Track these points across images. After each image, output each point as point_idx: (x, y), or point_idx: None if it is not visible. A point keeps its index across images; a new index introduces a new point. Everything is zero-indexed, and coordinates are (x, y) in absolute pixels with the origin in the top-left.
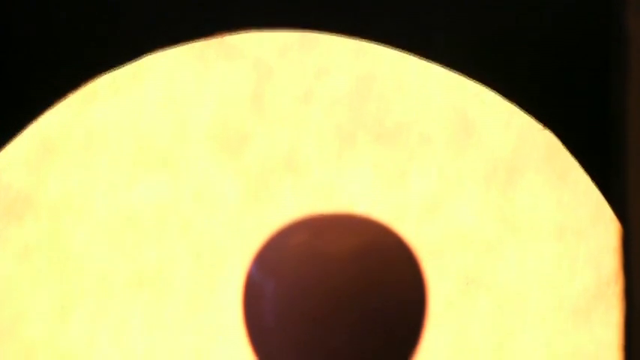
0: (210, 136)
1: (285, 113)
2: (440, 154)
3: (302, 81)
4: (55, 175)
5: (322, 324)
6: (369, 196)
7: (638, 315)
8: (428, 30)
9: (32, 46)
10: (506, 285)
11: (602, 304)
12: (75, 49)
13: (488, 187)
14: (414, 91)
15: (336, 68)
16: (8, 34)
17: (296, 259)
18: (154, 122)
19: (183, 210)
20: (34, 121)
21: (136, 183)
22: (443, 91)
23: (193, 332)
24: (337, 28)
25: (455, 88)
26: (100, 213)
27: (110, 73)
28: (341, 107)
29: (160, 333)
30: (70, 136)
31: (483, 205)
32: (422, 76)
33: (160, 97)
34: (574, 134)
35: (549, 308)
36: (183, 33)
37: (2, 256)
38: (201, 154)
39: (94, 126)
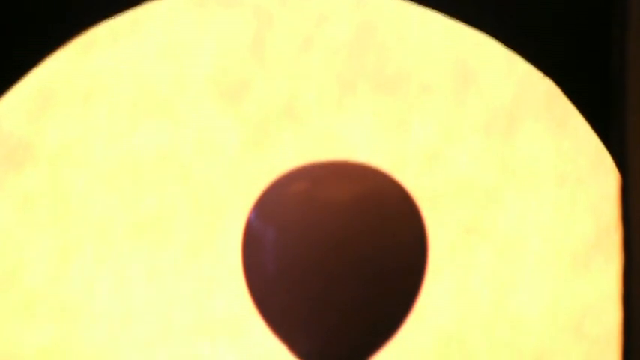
0: (210, 83)
1: (285, 61)
2: (440, 102)
3: (302, 29)
4: (55, 123)
5: (322, 272)
6: (369, 145)
7: (637, 264)
8: None
9: None
10: (505, 233)
11: (601, 252)
12: None
13: (488, 136)
14: (414, 39)
15: (337, 16)
16: None
17: (296, 207)
18: (154, 70)
19: (183, 157)
20: (33, 69)
21: (135, 130)
22: (443, 40)
23: (193, 280)
24: None
25: (455, 37)
26: (100, 161)
27: (109, 21)
28: (341, 55)
29: (160, 281)
30: (69, 84)
31: (483, 153)
32: (422, 24)
33: (159, 45)
34: (574, 83)
35: (549, 256)
36: None
37: (2, 205)
38: (201, 101)
39: (93, 74)
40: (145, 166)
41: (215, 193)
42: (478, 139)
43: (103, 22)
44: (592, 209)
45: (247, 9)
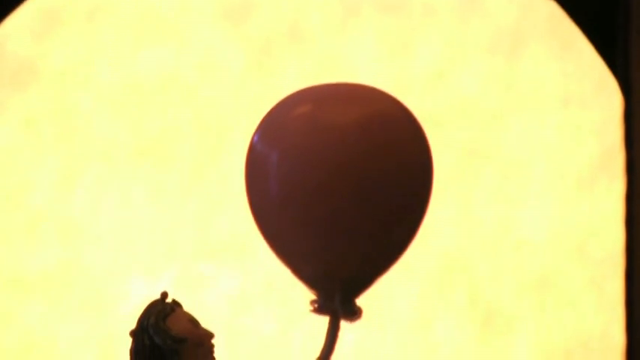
0: (215, 4)
1: None
2: (444, 24)
3: None
4: (60, 44)
5: (326, 195)
6: (373, 67)
7: None
8: None
9: None
10: (510, 155)
11: (605, 174)
12: None
13: (493, 57)
14: None
15: None
16: None
17: (299, 130)
18: None
19: (187, 79)
20: None
21: (140, 51)
22: None
23: (197, 202)
24: None
25: None
26: (105, 81)
27: None
28: None
29: (164, 202)
30: (73, 4)
31: (487, 74)
32: None
33: None
34: (578, 4)
35: (553, 178)
36: None
37: (7, 125)
38: (206, 22)
39: None
40: (149, 86)
41: (219, 115)
42: (482, 60)
43: None
44: (596, 131)
45: None
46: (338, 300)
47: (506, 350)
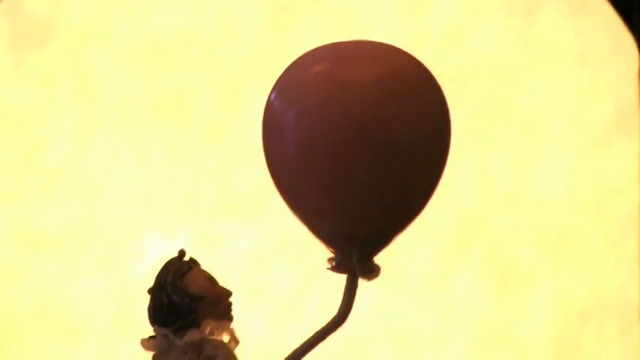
0: None
1: None
2: None
3: None
4: (77, 2)
5: (343, 153)
6: (390, 24)
7: None
8: None
9: None
10: (527, 113)
11: (622, 133)
12: None
13: (509, 15)
14: None
15: None
16: None
17: (317, 88)
18: None
19: (205, 36)
20: None
21: (157, 9)
22: None
23: (214, 159)
24: None
25: None
26: (122, 39)
27: None
28: None
29: (181, 160)
30: None
31: (504, 33)
32: None
33: None
34: None
35: (570, 137)
36: None
37: (24, 83)
38: None
39: None
40: (167, 44)
41: (236, 73)
42: (499, 18)
43: None
44: (612, 90)
45: None
46: (355, 258)
47: (523, 307)
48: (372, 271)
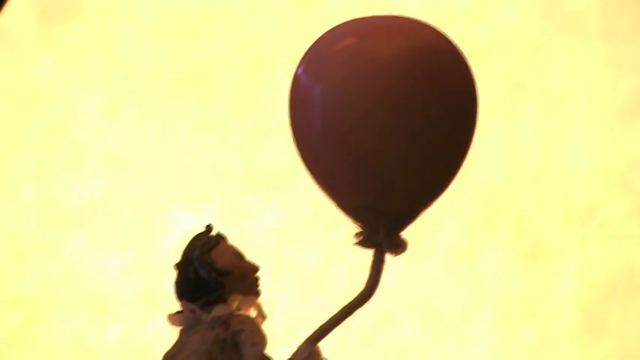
0: None
1: None
2: None
3: None
4: None
5: (370, 128)
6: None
7: None
8: None
9: None
10: (553, 87)
11: None
12: None
13: None
14: None
15: None
16: None
17: (343, 63)
18: None
19: (232, 10)
20: None
21: None
22: None
23: (241, 134)
24: None
25: None
26: (149, 13)
27: None
28: None
29: (208, 134)
30: None
31: (530, 6)
32: None
33: None
34: None
35: (596, 110)
36: None
37: (50, 58)
38: None
39: None
40: (194, 18)
41: (263, 48)
42: None
43: None
44: (638, 64)
45: None
46: (383, 233)
47: (550, 281)
48: (399, 246)
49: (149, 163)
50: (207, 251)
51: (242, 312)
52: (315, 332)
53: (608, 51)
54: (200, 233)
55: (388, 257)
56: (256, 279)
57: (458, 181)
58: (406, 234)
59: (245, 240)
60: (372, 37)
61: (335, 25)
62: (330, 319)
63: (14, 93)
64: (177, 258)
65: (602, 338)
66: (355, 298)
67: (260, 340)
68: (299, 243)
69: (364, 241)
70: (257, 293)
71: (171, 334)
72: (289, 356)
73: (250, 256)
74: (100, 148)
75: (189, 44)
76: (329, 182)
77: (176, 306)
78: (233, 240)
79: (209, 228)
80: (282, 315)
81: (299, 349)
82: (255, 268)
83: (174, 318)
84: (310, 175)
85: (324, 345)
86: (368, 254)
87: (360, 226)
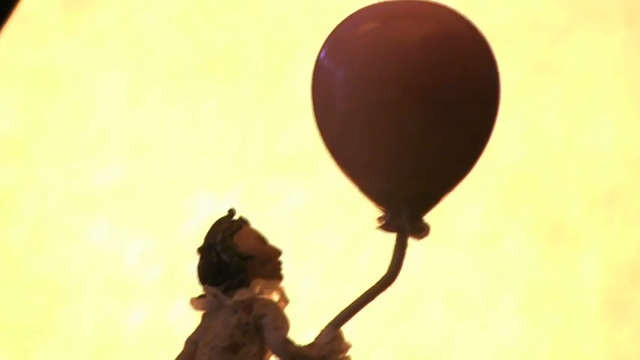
0: None
1: None
2: None
3: None
4: None
5: (392, 111)
6: None
7: None
8: None
9: None
10: (576, 70)
11: None
12: None
13: None
14: None
15: None
16: None
17: (367, 46)
18: None
19: None
20: None
21: None
22: None
23: (264, 117)
24: None
25: None
26: None
27: None
28: None
29: (230, 118)
30: None
31: None
32: None
33: None
34: None
35: (619, 93)
36: None
37: (75, 42)
38: None
39: None
40: (217, 2)
41: (287, 31)
42: None
43: None
44: None
45: None
46: (405, 217)
47: (573, 265)
48: (421, 230)
49: (172, 147)
50: (229, 235)
51: (265, 296)
52: (338, 316)
53: (631, 35)
54: (222, 217)
55: (411, 241)
56: (279, 263)
57: (480, 165)
58: (429, 218)
59: (268, 224)
60: (396, 21)
61: (359, 8)
62: (352, 303)
63: (38, 77)
64: (200, 242)
65: (625, 321)
66: (378, 283)
67: (282, 324)
68: (322, 227)
69: (387, 225)
70: (280, 277)
71: (193, 319)
72: (312, 340)
73: (273, 240)
74: (123, 132)
75: (213, 28)
76: (351, 166)
77: (198, 290)
78: (256, 224)
79: (231, 212)
80: (305, 299)
81: (322, 333)
82: (278, 252)
83: (196, 302)
84: (333, 159)
85: (346, 329)
86: (391, 238)
87: (383, 211)
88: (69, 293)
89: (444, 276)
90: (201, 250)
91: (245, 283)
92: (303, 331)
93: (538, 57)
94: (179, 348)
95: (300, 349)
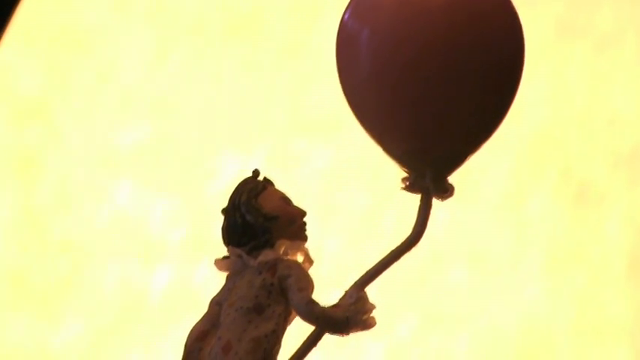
0: None
1: None
2: None
3: None
4: None
5: (417, 71)
6: None
7: None
8: None
9: None
10: (600, 30)
11: None
12: None
13: None
14: None
15: None
16: None
17: (391, 7)
18: None
19: None
20: None
21: None
22: None
23: (289, 78)
24: None
25: None
26: None
27: None
28: None
29: (256, 78)
30: None
31: None
32: None
33: None
34: None
35: None
36: None
37: (98, 2)
38: None
39: None
40: None
41: None
42: None
43: None
44: None
45: None
46: (429, 178)
47: (598, 224)
48: (446, 191)
49: (197, 107)
50: (254, 196)
51: (289, 257)
52: (362, 277)
53: None
54: (247, 178)
55: (435, 202)
56: (303, 224)
57: (505, 125)
58: (453, 179)
59: (293, 184)
60: None
61: None
62: (377, 264)
63: (63, 37)
64: (225, 203)
65: None
66: (402, 243)
67: (307, 285)
68: (346, 188)
69: (411, 186)
70: (304, 238)
71: (218, 280)
72: (336, 301)
73: (298, 201)
74: (148, 93)
75: None
76: (376, 127)
77: (223, 251)
78: (281, 184)
79: (256, 173)
80: (330, 260)
81: (346, 294)
82: (303, 213)
83: (221, 263)
84: (357, 121)
85: (371, 290)
86: (415, 199)
87: (407, 171)
88: (93, 254)
89: (469, 236)
90: (225, 211)
91: (269, 244)
92: (327, 292)
93: (562, 17)
94: (203, 309)
95: (324, 310)
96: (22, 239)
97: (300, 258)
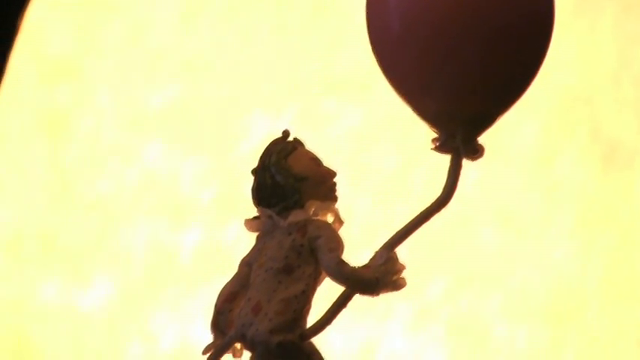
0: None
1: None
2: None
3: None
4: None
5: (447, 30)
6: None
7: None
8: None
9: None
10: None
11: None
12: None
13: None
14: None
15: None
16: None
17: None
18: None
19: None
20: None
21: None
22: None
23: (318, 37)
24: None
25: None
26: None
27: None
28: None
29: (285, 37)
30: None
31: None
32: None
33: None
34: None
35: None
36: None
37: None
38: None
39: None
40: None
41: None
42: None
43: None
44: None
45: None
46: (459, 138)
47: (627, 185)
48: (476, 151)
49: (227, 67)
50: (284, 157)
51: (319, 217)
52: (392, 238)
53: None
54: (277, 139)
55: (465, 162)
56: (333, 184)
57: (535, 85)
58: (483, 139)
59: (323, 145)
60: None
61: None
62: (407, 225)
63: None
64: (255, 163)
65: None
66: (432, 204)
67: (337, 245)
68: (376, 148)
69: (441, 146)
70: (334, 199)
71: (247, 240)
72: (366, 262)
73: (327, 161)
74: (177, 53)
75: None
76: (406, 87)
77: (253, 211)
78: (311, 145)
79: (286, 133)
80: (360, 220)
81: (376, 254)
82: (333, 174)
83: (250, 223)
84: (387, 80)
85: (401, 251)
86: (445, 159)
87: (437, 132)
88: (123, 214)
89: (499, 196)
90: (255, 171)
91: (299, 205)
92: (357, 253)
93: None
94: (233, 269)
95: (354, 270)
96: (52, 199)
97: (330, 219)
